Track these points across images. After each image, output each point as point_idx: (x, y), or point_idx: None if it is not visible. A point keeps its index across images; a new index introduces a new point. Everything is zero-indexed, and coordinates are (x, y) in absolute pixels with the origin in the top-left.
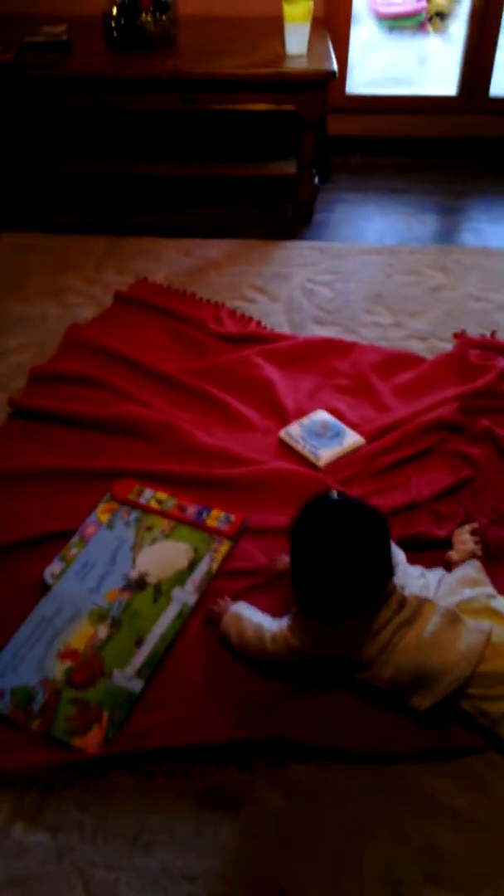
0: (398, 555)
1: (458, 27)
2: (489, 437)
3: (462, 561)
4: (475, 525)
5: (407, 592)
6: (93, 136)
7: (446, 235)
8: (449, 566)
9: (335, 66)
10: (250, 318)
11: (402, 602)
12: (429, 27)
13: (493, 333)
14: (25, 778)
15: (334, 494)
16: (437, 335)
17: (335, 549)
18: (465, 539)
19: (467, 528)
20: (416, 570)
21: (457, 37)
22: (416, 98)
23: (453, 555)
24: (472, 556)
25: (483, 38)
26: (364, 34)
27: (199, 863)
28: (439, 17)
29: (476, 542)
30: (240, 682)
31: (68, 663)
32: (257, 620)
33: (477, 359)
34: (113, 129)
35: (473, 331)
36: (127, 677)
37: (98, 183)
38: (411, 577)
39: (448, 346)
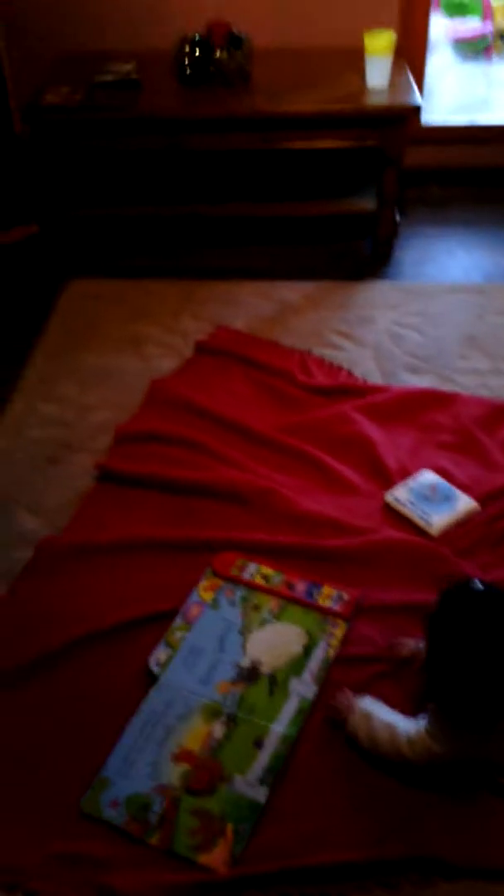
0: None
1: None
2: None
3: None
4: None
5: None
6: (161, 176)
7: None
8: None
9: (419, 100)
10: (339, 367)
11: None
12: (494, 51)
13: None
14: None
15: (478, 584)
16: None
17: (486, 650)
18: None
19: None
20: None
21: None
22: (494, 128)
23: None
24: None
25: None
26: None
27: None
28: (502, 39)
29: None
30: (376, 789)
31: (184, 766)
32: (389, 720)
33: None
34: (182, 168)
35: None
36: (249, 784)
37: (167, 224)
38: None
39: None
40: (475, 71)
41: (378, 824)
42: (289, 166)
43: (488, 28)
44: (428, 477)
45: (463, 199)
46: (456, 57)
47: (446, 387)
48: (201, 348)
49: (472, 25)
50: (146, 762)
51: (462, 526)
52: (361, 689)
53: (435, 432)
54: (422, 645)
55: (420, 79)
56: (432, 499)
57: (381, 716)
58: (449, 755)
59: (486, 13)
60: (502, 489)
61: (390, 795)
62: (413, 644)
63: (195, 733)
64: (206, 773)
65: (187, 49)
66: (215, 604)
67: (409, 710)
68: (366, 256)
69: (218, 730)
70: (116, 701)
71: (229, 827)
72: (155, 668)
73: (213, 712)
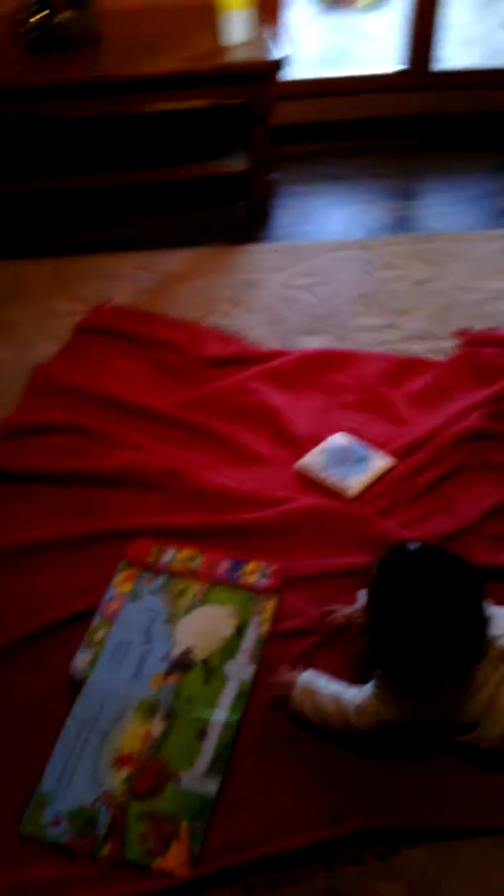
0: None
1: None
2: None
3: None
4: None
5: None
6: (19, 149)
7: (413, 222)
8: None
9: (282, 53)
10: (232, 336)
11: (502, 655)
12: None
13: (495, 328)
14: None
15: (413, 545)
16: (436, 334)
17: (428, 611)
18: None
19: None
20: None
21: (384, 10)
22: (359, 78)
23: None
24: None
25: (425, 11)
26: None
27: None
28: None
29: None
30: (327, 763)
31: (126, 770)
32: (333, 691)
33: (491, 357)
34: (42, 139)
35: (472, 324)
36: (197, 779)
37: (30, 200)
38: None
39: (451, 345)
40: (335, 22)
41: (335, 800)
42: (154, 131)
43: None
44: (339, 440)
45: (334, 153)
46: (315, 8)
47: (344, 346)
48: (81, 329)
49: None
50: (85, 772)
51: (379, 485)
52: (300, 663)
53: (339, 393)
54: (356, 610)
55: (280, 32)
56: (346, 461)
57: (325, 688)
58: (398, 717)
59: None
60: (414, 444)
61: (344, 769)
62: (346, 610)
63: (133, 734)
64: (151, 773)
65: (28, 12)
66: (135, 595)
67: (351, 679)
68: (242, 219)
69: (157, 727)
70: (43, 713)
71: (183, 826)
72: (79, 674)
73: (149, 709)
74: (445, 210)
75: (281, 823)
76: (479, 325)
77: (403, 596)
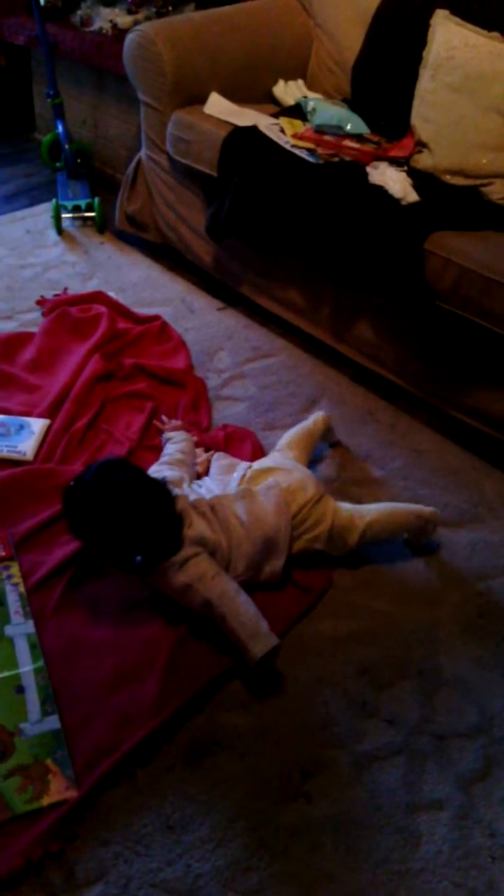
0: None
1: None
2: (141, 371)
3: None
4: (194, 438)
5: (208, 497)
6: None
7: None
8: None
9: None
10: None
11: (212, 506)
12: None
13: (65, 290)
14: (31, 866)
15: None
16: (18, 309)
17: (119, 499)
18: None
19: None
20: (194, 485)
21: None
22: None
23: (198, 468)
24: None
25: None
26: None
27: (231, 807)
28: None
29: (204, 451)
30: (133, 657)
31: None
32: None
33: (78, 314)
34: None
35: (43, 293)
36: (38, 723)
37: None
38: (201, 489)
39: (36, 315)
40: None
41: (159, 680)
42: None
43: None
44: None
45: None
46: None
47: None
48: None
49: None
50: None
51: (46, 443)
52: (66, 593)
53: None
54: None
55: None
56: (8, 434)
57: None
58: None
59: None
60: (56, 401)
61: (149, 652)
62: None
63: None
64: None
65: None
66: None
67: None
68: None
69: None
70: None
71: (48, 762)
72: None
73: None
74: None
75: (125, 720)
76: (49, 293)
77: (97, 501)
